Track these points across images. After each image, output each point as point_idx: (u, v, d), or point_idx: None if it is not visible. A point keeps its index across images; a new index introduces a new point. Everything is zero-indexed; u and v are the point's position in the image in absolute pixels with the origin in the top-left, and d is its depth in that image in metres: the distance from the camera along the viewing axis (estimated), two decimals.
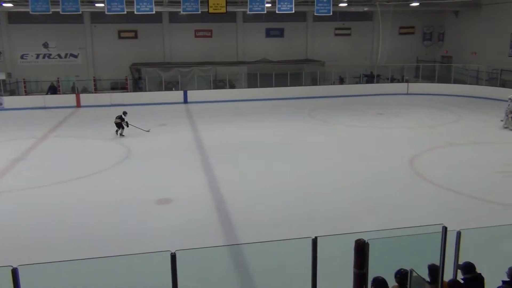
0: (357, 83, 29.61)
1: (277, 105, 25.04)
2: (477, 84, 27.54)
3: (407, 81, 29.02)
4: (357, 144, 16.44)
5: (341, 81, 29.66)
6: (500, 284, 5.36)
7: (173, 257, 4.45)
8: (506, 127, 18.05)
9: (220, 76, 28.19)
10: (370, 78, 29.99)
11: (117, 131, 17.48)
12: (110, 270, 4.64)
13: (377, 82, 29.45)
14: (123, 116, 17.52)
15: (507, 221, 7.32)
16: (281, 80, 27.26)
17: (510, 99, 18.05)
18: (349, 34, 33.69)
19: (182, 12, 24.21)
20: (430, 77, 29.71)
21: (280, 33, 32.60)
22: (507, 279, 5.38)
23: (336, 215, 10.14)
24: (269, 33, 32.45)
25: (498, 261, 7.00)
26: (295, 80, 27.96)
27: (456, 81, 28.32)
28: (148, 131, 18.07)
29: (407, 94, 28.25)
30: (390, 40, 32.91)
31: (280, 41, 32.48)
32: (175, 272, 4.44)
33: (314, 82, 28.66)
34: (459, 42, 31.81)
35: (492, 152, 15.36)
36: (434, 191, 11.62)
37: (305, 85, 28.09)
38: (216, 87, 27.65)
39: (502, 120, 18.34)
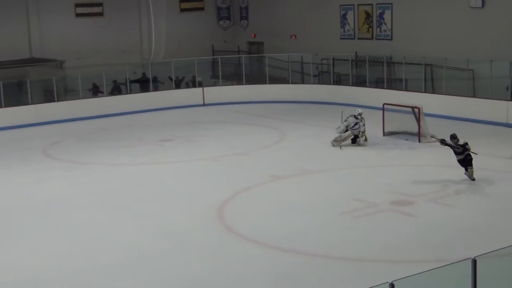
0: (112, 93, 29.84)
1: None
2: (302, 82, 30.53)
3: (201, 85, 30.54)
4: (127, 195, 16.71)
5: (96, 91, 29.73)
6: None
7: None
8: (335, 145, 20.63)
9: None
10: (143, 84, 30.80)
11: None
12: None
13: (155, 90, 30.41)
14: None
15: (366, 283, 8.12)
16: None
17: (354, 116, 20.64)
18: (101, 14, 34.13)
19: None
20: (235, 77, 31.75)
21: None
22: None
23: None
24: None
25: None
26: (15, 95, 27.34)
27: (273, 80, 30.88)
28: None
29: (204, 105, 29.80)
30: (168, 21, 34.32)
31: None
32: None
33: (49, 97, 28.39)
34: (272, 21, 34.89)
35: (333, 183, 17.15)
36: (256, 253, 12.33)
37: (34, 102, 27.47)
38: None
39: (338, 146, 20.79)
